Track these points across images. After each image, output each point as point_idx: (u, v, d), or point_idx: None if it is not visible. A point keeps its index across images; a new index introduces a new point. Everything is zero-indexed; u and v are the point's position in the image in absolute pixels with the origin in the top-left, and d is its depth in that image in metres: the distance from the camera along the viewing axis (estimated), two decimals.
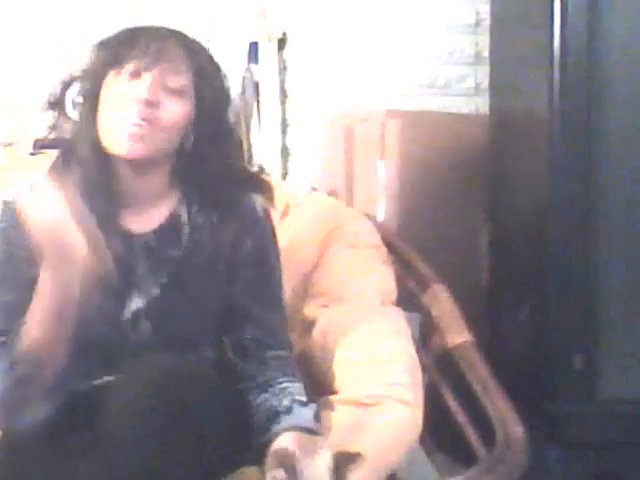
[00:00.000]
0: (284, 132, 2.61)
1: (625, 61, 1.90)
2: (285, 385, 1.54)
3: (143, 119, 1.46)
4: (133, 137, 1.46)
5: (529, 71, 2.04)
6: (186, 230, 1.56)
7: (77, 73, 1.53)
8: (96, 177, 1.50)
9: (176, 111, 1.49)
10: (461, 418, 1.75)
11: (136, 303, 1.51)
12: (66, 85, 1.53)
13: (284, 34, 2.58)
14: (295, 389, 1.54)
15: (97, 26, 2.68)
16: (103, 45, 1.52)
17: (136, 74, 1.47)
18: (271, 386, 1.53)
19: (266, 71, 2.59)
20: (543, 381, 1.93)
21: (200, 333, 1.55)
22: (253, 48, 2.61)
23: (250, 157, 2.64)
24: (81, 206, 1.46)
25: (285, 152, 2.61)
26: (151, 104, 1.46)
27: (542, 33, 1.90)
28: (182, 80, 1.50)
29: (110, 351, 1.49)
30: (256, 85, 2.62)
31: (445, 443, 1.79)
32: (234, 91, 2.60)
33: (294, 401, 1.52)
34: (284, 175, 2.60)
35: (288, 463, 1.34)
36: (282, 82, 2.60)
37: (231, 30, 2.61)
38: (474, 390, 1.72)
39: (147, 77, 1.47)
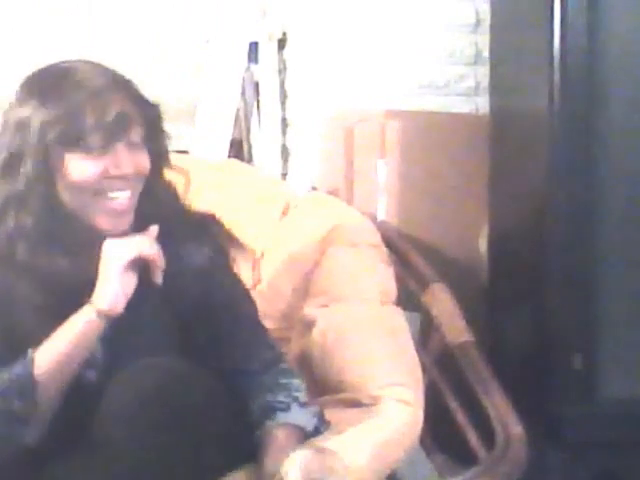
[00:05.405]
0: (284, 132, 2.61)
1: (625, 61, 1.90)
2: (283, 382, 1.52)
3: (121, 197, 1.42)
4: (115, 212, 1.42)
5: (529, 71, 2.04)
6: None
7: (25, 153, 1.39)
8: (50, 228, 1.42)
9: (142, 165, 1.44)
10: (461, 418, 1.75)
11: None
12: (16, 161, 1.40)
13: (284, 34, 2.59)
14: (293, 385, 1.53)
15: (97, 24, 2.68)
16: (52, 115, 1.38)
17: (102, 149, 1.39)
18: (267, 385, 1.52)
19: (266, 71, 2.59)
20: (543, 381, 1.93)
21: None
22: (253, 48, 2.61)
23: (250, 157, 2.65)
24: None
25: (285, 152, 2.61)
26: (126, 175, 1.41)
27: (542, 33, 1.90)
28: (140, 132, 1.44)
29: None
30: (256, 85, 2.63)
31: (445, 443, 1.79)
32: (234, 91, 2.61)
33: (292, 398, 1.50)
34: (284, 175, 2.60)
35: None
36: (282, 82, 2.60)
37: (231, 30, 2.61)
38: (474, 390, 1.72)
39: (115, 150, 1.40)
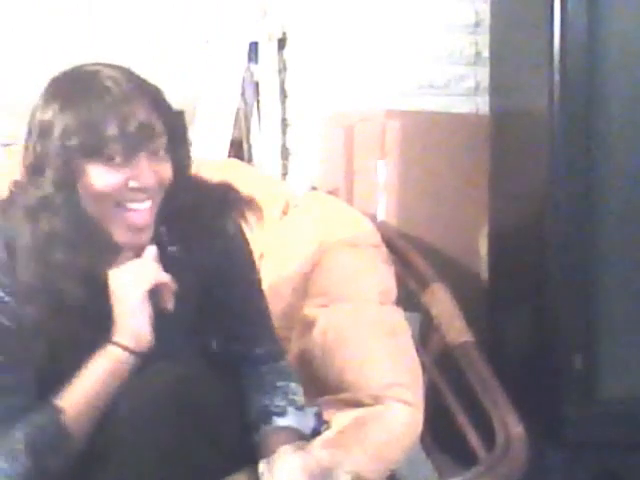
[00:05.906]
0: (284, 132, 2.61)
1: (625, 61, 1.90)
2: (280, 384, 1.53)
3: (142, 208, 1.39)
4: (134, 227, 1.40)
5: (529, 71, 2.04)
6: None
7: (48, 159, 1.37)
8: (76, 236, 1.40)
9: (164, 175, 1.42)
10: (461, 418, 1.74)
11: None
12: (42, 166, 1.38)
13: (284, 34, 2.59)
14: (290, 388, 1.53)
15: (98, 23, 2.69)
16: (74, 123, 1.35)
17: (124, 161, 1.36)
18: (265, 387, 1.52)
19: (266, 71, 2.59)
20: (543, 381, 1.93)
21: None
22: (253, 48, 2.62)
23: (250, 157, 2.65)
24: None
25: (285, 152, 2.61)
26: (147, 187, 1.39)
27: (542, 33, 1.90)
28: (162, 142, 1.41)
29: None
30: (256, 85, 2.63)
31: (445, 443, 1.79)
32: (234, 91, 2.61)
33: (289, 402, 1.50)
34: (284, 175, 2.60)
35: None
36: (282, 82, 2.61)
37: (231, 30, 2.61)
38: (474, 390, 1.72)
39: (137, 161, 1.37)
